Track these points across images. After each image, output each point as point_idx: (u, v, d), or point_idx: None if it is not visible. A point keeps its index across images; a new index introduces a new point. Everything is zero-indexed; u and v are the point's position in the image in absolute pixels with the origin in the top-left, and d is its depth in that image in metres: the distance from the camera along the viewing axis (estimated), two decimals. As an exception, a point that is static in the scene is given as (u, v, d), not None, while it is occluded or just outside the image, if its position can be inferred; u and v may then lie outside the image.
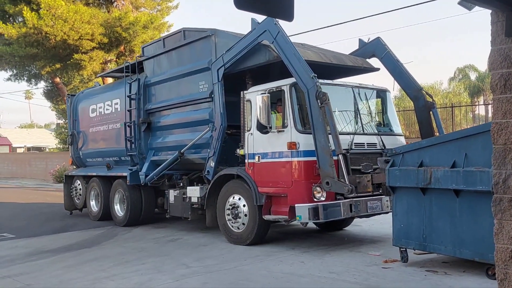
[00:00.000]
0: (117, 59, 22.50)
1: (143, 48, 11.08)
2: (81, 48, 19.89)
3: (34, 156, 37.09)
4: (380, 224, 10.07)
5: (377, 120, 8.73)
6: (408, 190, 6.13)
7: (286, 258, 7.09)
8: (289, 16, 2.65)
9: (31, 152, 45.32)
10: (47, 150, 47.14)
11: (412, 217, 6.16)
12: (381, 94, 8.70)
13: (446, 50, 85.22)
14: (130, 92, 10.47)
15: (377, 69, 9.30)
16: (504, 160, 4.33)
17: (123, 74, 10.87)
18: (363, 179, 6.98)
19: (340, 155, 6.83)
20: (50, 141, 47.80)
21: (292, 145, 7.23)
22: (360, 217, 7.80)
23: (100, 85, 14.24)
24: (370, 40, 9.09)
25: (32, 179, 31.91)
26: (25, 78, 25.42)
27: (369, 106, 8.37)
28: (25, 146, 51.69)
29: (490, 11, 4.41)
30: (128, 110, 10.52)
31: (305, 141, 7.14)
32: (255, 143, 7.81)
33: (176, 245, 8.49)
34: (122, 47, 21.96)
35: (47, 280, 6.34)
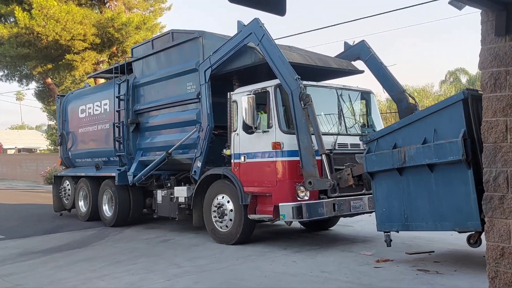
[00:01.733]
0: (109, 60, 22.41)
1: (132, 49, 11.11)
2: (73, 49, 19.80)
3: (24, 157, 36.83)
4: (372, 224, 10.04)
5: (361, 121, 8.86)
6: (385, 174, 6.30)
7: (278, 258, 7.09)
8: (281, 11, 2.66)
9: (21, 154, 44.99)
10: (38, 151, 46.82)
11: (392, 200, 6.32)
12: (365, 95, 8.87)
13: (439, 52, 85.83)
14: (119, 93, 10.53)
15: (362, 71, 9.37)
16: (495, 158, 4.38)
17: (113, 75, 10.94)
18: (343, 173, 6.97)
19: (323, 155, 6.93)
20: (41, 142, 47.49)
21: (276, 145, 7.36)
22: (344, 216, 7.96)
23: (90, 85, 14.34)
24: (355, 43, 9.20)
25: (23, 180, 31.67)
26: (16, 79, 25.25)
27: (352, 107, 8.54)
28: (15, 147, 51.30)
29: (480, 11, 4.46)
30: (117, 111, 10.57)
31: (289, 142, 7.26)
32: (241, 144, 7.92)
33: (167, 246, 8.45)
34: (114, 48, 21.89)
35: (38, 280, 6.28)
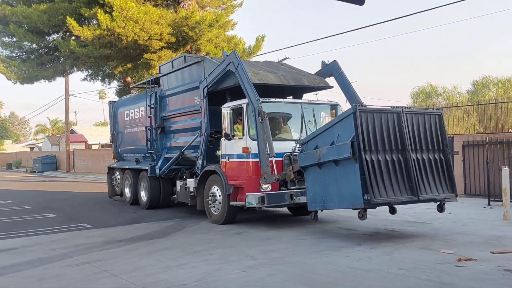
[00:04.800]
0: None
1: (160, 67, 13.72)
2: (150, 48, 20.59)
3: (107, 152, 38.98)
4: (452, 222, 9.69)
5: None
6: (311, 168, 8.22)
7: (352, 254, 6.99)
8: (359, 1, 2.61)
9: (104, 149, 47.70)
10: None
11: (316, 187, 8.22)
12: (333, 107, 10.57)
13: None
14: (150, 102, 12.90)
15: (331, 87, 11.19)
16: None
17: (150, 86, 13.39)
18: (287, 170, 8.82)
19: (273, 157, 8.63)
20: (121, 138, 49.86)
21: (245, 149, 9.34)
22: (299, 204, 9.42)
23: (136, 93, 16.58)
24: (329, 62, 11.02)
25: (106, 174, 33.55)
26: (100, 78, 26.72)
27: (314, 118, 10.22)
28: (99, 143, 54.46)
29: None
30: (148, 117, 12.95)
31: (256, 146, 9.01)
32: (226, 147, 9.87)
33: (242, 238, 8.63)
34: (188, 46, 22.48)
35: (123, 267, 6.67)
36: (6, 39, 23.02)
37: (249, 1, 41.37)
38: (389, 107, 8.04)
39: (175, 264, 6.66)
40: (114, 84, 28.39)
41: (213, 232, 9.28)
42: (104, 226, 10.54)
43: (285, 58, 37.10)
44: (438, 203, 8.23)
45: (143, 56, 20.66)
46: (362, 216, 7.62)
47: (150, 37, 20.01)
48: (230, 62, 9.63)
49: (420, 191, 7.68)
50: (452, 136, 15.31)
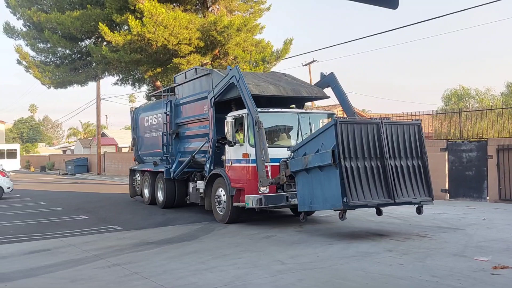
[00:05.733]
0: (212, 62, 23.26)
1: (175, 77, 15.04)
2: (179, 53, 20.81)
3: (137, 155, 39.55)
4: (487, 228, 9.41)
5: None
6: (301, 173, 8.91)
7: (383, 260, 6.87)
8: (393, 4, 2.56)
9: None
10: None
11: (305, 190, 8.90)
12: (330, 116, 11.29)
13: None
14: (166, 109, 13.91)
15: (328, 97, 12.01)
16: None
17: (167, 94, 14.66)
18: (281, 174, 9.49)
19: (268, 163, 9.45)
20: (151, 141, 50.57)
21: (245, 155, 10.19)
22: (294, 206, 9.94)
23: (155, 100, 17.45)
24: (327, 74, 11.81)
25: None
26: (130, 82, 27.17)
27: (310, 126, 10.87)
28: (129, 145, 55.38)
29: None
30: (164, 123, 14.00)
31: (254, 152, 9.75)
32: (230, 152, 10.69)
33: (270, 242, 8.60)
34: (216, 50, 22.64)
35: (152, 269, 6.73)
36: (41, 45, 23.65)
37: (277, 5, 41.42)
38: (369, 119, 9.06)
39: (204, 268, 6.69)
40: (144, 88, 28.84)
41: (241, 236, 9.28)
42: (134, 228, 10.69)
43: (313, 61, 37.04)
44: (416, 206, 8.90)
45: (173, 60, 20.90)
46: (342, 216, 8.38)
47: (179, 42, 20.22)
48: (233, 76, 10.51)
49: (397, 194, 8.38)
50: (485, 139, 14.93)
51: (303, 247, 7.98)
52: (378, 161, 8.35)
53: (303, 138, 10.19)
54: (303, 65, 36.92)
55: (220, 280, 6.00)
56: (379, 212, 9.26)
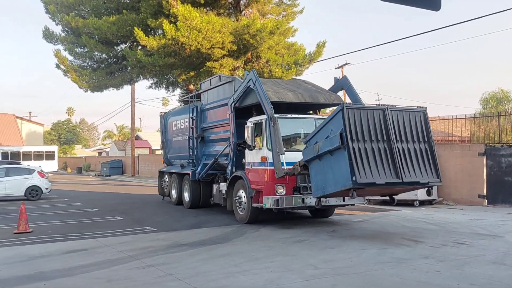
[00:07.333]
0: (244, 66, 23.36)
1: (201, 84, 15.82)
2: (212, 56, 20.98)
3: (170, 157, 40.10)
4: (528, 236, 9.06)
5: None
6: (314, 161, 9.28)
7: (419, 266, 6.72)
8: (436, 6, 2.50)
9: (167, 154, 49.12)
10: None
11: (318, 176, 9.27)
12: None
13: None
14: (192, 114, 14.69)
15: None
16: None
17: (193, 99, 15.42)
18: (295, 165, 9.84)
19: (283, 155, 9.94)
20: (183, 144, 51.17)
21: (263, 158, 10.76)
22: (311, 207, 10.73)
23: (183, 105, 18.11)
24: (340, 78, 12.76)
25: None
26: (164, 86, 27.57)
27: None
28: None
29: None
30: (190, 127, 14.78)
31: (272, 156, 10.25)
32: (250, 156, 11.28)
33: (302, 246, 8.55)
34: (249, 54, 22.72)
35: (185, 271, 6.80)
36: (78, 50, 24.31)
37: (310, 8, 41.23)
38: (375, 105, 9.44)
39: (236, 270, 6.70)
40: (178, 91, 29.21)
41: (274, 239, 9.26)
42: (167, 230, 10.82)
43: (345, 64, 36.70)
44: (426, 188, 9.80)
45: (206, 64, 21.08)
46: (352, 195, 8.60)
47: (213, 46, 20.39)
48: (250, 80, 11.15)
49: (405, 174, 8.61)
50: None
51: (336, 252, 7.90)
52: (385, 144, 8.68)
53: None
54: (335, 68, 36.67)
55: (253, 284, 5.99)
56: (392, 200, 10.00)
